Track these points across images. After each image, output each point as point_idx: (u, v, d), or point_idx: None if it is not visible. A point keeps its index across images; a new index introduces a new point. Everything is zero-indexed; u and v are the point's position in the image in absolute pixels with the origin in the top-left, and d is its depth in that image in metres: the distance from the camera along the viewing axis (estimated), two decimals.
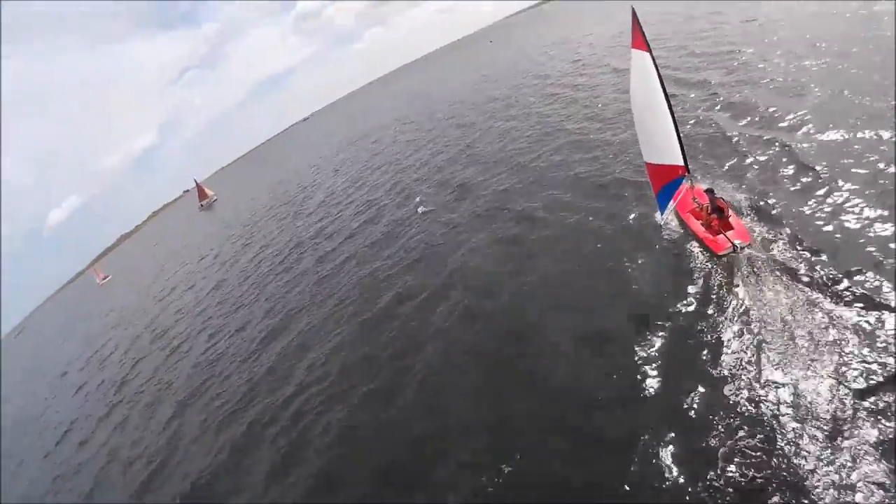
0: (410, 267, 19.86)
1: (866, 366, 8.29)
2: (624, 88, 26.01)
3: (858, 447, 7.33)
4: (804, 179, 13.79)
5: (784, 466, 7.56)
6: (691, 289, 11.81)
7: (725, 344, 10.02)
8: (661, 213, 14.07)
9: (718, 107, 21.36)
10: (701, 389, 9.29)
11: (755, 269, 11.40)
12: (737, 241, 11.63)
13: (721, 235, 12.04)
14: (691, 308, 11.32)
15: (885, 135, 13.98)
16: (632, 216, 15.81)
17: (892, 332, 8.63)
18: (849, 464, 7.21)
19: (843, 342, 8.86)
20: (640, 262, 13.62)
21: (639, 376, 10.15)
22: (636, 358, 10.59)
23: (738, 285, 11.26)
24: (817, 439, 7.66)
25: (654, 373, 10.12)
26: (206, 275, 39.42)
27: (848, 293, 9.77)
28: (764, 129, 17.67)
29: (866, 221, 11.37)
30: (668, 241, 13.99)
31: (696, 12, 47.48)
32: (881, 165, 12.85)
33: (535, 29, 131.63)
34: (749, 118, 19.11)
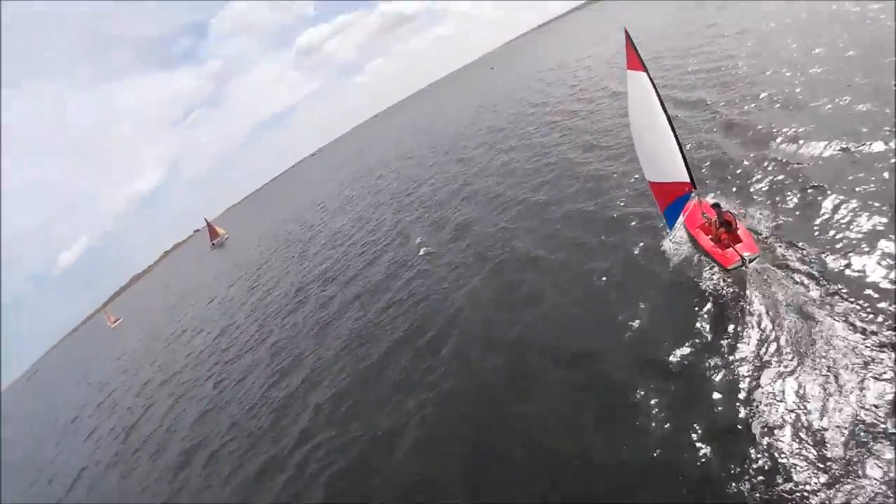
0: (410, 311, 19.42)
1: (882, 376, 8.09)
2: (622, 112, 26.37)
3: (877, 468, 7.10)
4: (810, 192, 13.52)
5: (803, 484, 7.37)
6: (703, 312, 11.50)
7: (742, 364, 9.75)
8: (670, 229, 14.05)
9: (716, 127, 20.93)
10: (716, 432, 8.86)
11: (765, 281, 11.23)
12: (745, 254, 11.50)
13: (730, 249, 11.87)
14: (706, 333, 10.96)
15: (892, 144, 13.72)
16: (637, 248, 15.20)
17: None
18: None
19: (858, 349, 8.68)
20: (648, 297, 13.08)
21: (650, 437, 9.46)
22: (646, 417, 9.95)
23: (749, 298, 11.07)
24: (834, 460, 7.42)
25: (665, 429, 9.49)
26: (215, 318, 39.22)
27: (856, 297, 9.65)
28: (765, 146, 17.28)
29: (870, 230, 11.20)
30: (676, 265, 13.65)
31: (692, 28, 47.90)
32: (886, 175, 12.62)
33: (534, 52, 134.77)
34: (749, 135, 18.71)
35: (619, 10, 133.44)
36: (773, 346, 9.69)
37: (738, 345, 10.18)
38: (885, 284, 9.60)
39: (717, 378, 9.75)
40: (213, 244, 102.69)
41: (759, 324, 10.33)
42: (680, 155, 12.50)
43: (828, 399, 8.20)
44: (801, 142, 16.18)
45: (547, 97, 50.05)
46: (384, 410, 14.53)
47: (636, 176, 16.64)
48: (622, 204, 18.27)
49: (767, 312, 10.45)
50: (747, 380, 9.36)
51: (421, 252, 25.02)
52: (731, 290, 11.64)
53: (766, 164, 16.12)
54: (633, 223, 16.69)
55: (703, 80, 28.48)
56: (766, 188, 14.87)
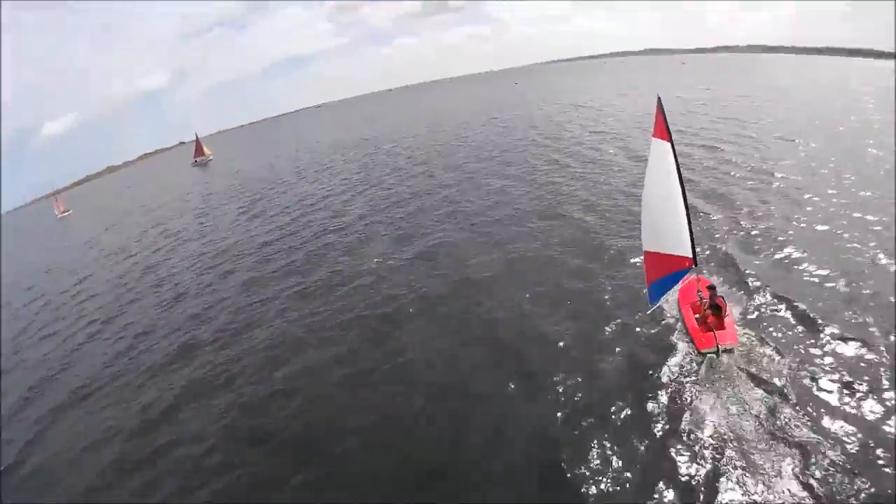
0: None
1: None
2: (633, 183, 26.05)
3: None
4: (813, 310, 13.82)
5: None
6: (661, 383, 12.06)
7: (680, 449, 10.11)
8: (651, 302, 13.79)
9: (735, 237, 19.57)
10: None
11: (730, 376, 11.62)
12: (722, 345, 11.90)
13: (709, 333, 12.19)
14: (659, 401, 11.50)
15: None
16: (618, 350, 13.89)
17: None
18: None
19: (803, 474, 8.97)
20: (612, 351, 13.67)
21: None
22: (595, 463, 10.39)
23: (709, 388, 11.47)
24: None
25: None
26: (160, 244, 37.77)
27: (817, 421, 10.04)
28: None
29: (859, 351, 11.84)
30: (657, 331, 14.13)
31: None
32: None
33: (564, 84, 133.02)
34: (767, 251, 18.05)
35: (670, 66, 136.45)
36: (713, 442, 10.11)
37: (677, 425, 10.69)
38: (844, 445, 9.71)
39: (646, 450, 10.28)
40: (196, 161, 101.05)
41: (705, 414, 10.78)
42: (688, 230, 12.51)
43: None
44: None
45: (564, 133, 48.42)
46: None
47: (633, 260, 17.14)
48: (610, 290, 16.79)
49: (718, 406, 10.87)
50: (675, 460, 9.88)
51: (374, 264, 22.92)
52: (696, 372, 12.07)
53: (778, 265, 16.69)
54: (619, 317, 15.39)
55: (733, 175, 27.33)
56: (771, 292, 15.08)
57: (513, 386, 13.14)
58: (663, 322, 14.36)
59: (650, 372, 12.42)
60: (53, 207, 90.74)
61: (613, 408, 11.56)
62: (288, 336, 17.70)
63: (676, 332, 13.78)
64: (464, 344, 15.44)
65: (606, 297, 16.42)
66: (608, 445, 10.57)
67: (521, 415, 12.07)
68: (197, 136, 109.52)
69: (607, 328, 14.68)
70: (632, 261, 18.03)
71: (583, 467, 10.18)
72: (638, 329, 14.36)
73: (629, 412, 11.33)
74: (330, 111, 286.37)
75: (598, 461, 10.26)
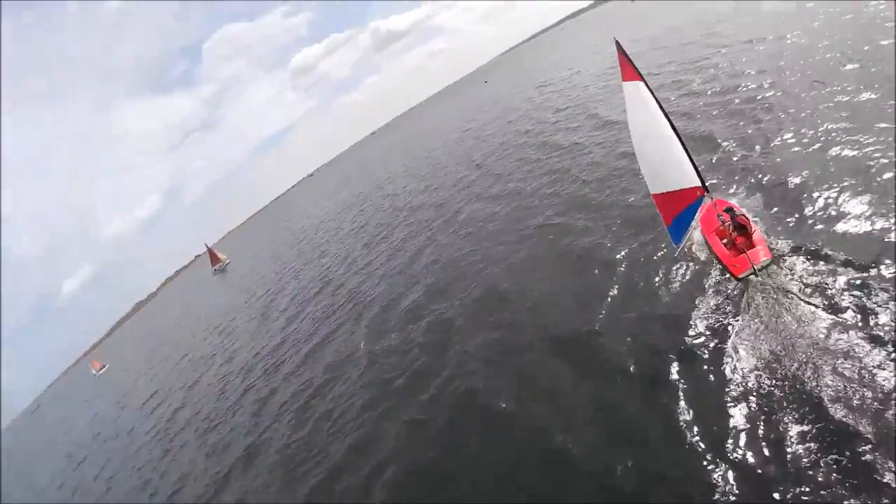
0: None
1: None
2: (615, 148, 25.48)
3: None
4: (834, 197, 12.92)
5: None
6: (705, 319, 11.42)
7: (737, 380, 9.55)
8: (676, 243, 13.28)
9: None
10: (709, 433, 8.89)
11: (775, 292, 10.88)
12: (759, 262, 11.33)
13: (742, 255, 11.63)
14: (707, 343, 10.80)
15: None
16: (657, 299, 13.12)
17: None
18: None
19: (866, 378, 8.16)
20: (654, 298, 13.06)
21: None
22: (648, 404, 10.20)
23: (758, 311, 10.73)
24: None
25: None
26: (198, 378, 34.88)
27: (875, 319, 9.09)
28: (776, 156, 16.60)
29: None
30: (689, 269, 13.44)
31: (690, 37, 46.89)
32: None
33: (529, 65, 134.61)
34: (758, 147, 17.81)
35: (612, 15, 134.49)
36: (770, 363, 9.47)
37: (736, 358, 9.99)
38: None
39: (704, 387, 9.81)
40: (215, 270, 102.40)
41: (755, 340, 10.13)
42: (688, 159, 11.94)
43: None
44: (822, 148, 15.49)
45: (532, 124, 45.54)
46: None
47: (631, 258, 15.35)
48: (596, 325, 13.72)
49: (768, 328, 10.16)
50: (731, 393, 9.34)
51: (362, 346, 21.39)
52: (739, 300, 11.35)
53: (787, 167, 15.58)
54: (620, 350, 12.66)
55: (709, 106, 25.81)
56: (789, 189, 14.35)
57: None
58: (694, 262, 13.65)
59: (693, 313, 11.71)
60: (90, 367, 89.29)
61: (664, 357, 11.00)
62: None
63: (709, 264, 13.10)
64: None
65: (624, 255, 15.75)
66: (663, 396, 10.15)
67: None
68: (207, 246, 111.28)
69: (638, 283, 14.11)
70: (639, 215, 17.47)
71: (641, 420, 9.97)
72: (670, 274, 13.64)
73: (679, 360, 10.73)
74: (320, 178, 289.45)
75: (654, 412, 9.95)
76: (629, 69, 11.99)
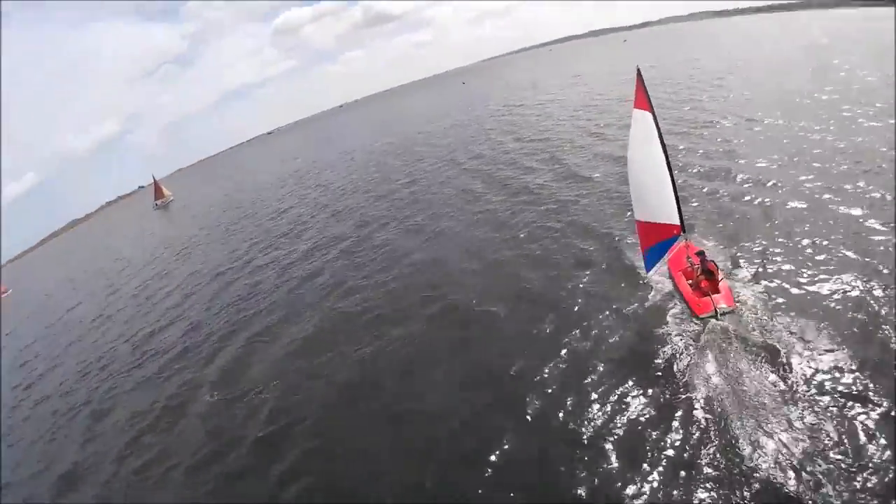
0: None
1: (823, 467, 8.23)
2: (562, 213, 22.40)
3: None
4: (802, 248, 14.24)
5: None
6: (660, 351, 11.90)
7: (681, 414, 10.04)
8: (647, 270, 14.19)
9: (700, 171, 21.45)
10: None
11: (730, 338, 11.46)
12: (720, 307, 11.87)
13: (706, 297, 12.20)
14: (658, 368, 11.42)
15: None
16: (616, 325, 13.64)
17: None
18: None
19: (797, 444, 8.71)
20: (612, 323, 13.59)
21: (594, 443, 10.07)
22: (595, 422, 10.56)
23: (710, 351, 11.33)
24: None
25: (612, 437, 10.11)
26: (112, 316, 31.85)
27: (820, 385, 9.77)
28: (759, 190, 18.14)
29: (856, 301, 11.68)
30: (651, 301, 14.01)
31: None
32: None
33: (509, 77, 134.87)
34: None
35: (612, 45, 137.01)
36: (712, 402, 10.04)
37: (680, 391, 10.56)
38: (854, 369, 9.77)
39: (652, 414, 10.29)
40: (157, 204, 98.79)
41: (707, 378, 10.67)
42: (674, 198, 12.77)
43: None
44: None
45: (491, 147, 42.12)
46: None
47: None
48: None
49: (720, 370, 10.72)
50: (682, 418, 9.90)
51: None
52: (694, 337, 11.92)
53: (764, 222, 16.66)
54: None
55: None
56: (758, 249, 15.13)
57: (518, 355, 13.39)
58: (656, 293, 14.28)
59: (650, 342, 12.32)
60: None
61: (615, 378, 11.53)
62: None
63: (672, 300, 13.71)
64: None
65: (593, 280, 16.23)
66: (610, 413, 10.61)
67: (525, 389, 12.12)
68: (154, 179, 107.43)
69: (603, 307, 14.52)
70: (617, 238, 18.20)
71: (585, 437, 10.25)
72: (634, 302, 14.25)
73: (632, 382, 11.26)
74: (277, 138, 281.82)
75: (600, 430, 10.29)
76: (642, 98, 12.65)
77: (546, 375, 12.33)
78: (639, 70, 12.95)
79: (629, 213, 17.23)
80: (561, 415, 10.99)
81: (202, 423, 15.46)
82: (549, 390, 11.84)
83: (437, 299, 17.90)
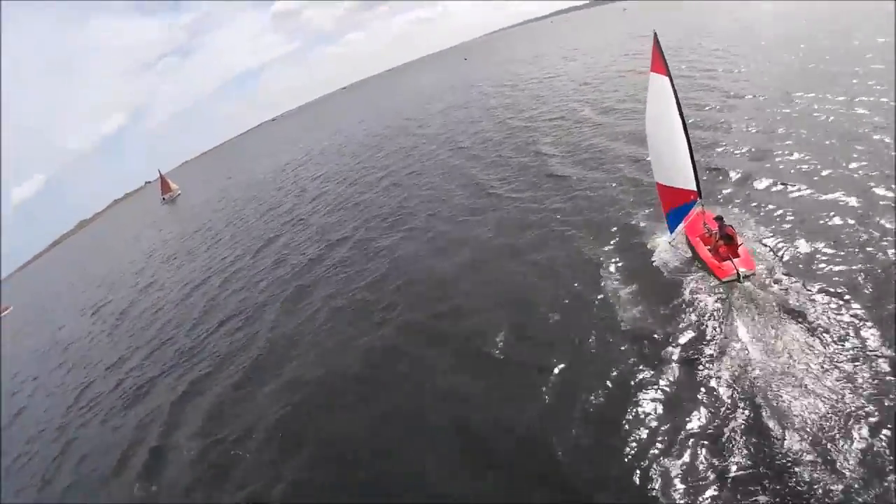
0: None
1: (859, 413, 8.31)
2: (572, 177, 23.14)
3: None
4: (819, 224, 13.79)
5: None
6: (687, 318, 11.86)
7: (715, 377, 10.03)
8: (671, 232, 14.30)
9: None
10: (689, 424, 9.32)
11: (756, 300, 11.48)
12: (742, 269, 11.81)
13: (727, 262, 12.14)
14: (688, 335, 11.35)
15: None
16: (638, 291, 13.67)
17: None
18: None
19: (838, 390, 8.80)
20: (638, 295, 13.39)
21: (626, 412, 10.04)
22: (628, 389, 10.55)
23: (737, 315, 11.31)
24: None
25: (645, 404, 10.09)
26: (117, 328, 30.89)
27: (845, 337, 9.81)
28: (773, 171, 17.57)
29: (872, 260, 11.63)
30: (672, 269, 13.87)
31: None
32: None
33: (513, 51, 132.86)
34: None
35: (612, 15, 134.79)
36: (744, 364, 10.00)
37: (713, 356, 10.53)
38: (872, 343, 9.62)
39: (686, 383, 10.19)
40: (164, 199, 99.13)
41: (735, 340, 10.65)
42: (690, 163, 12.80)
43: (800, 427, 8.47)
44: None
45: (477, 141, 38.55)
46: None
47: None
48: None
49: (748, 332, 10.72)
50: (713, 389, 9.81)
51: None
52: (719, 302, 11.88)
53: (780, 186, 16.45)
54: None
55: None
56: (778, 211, 15.02)
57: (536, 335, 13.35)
58: (676, 260, 14.21)
59: (675, 308, 12.31)
60: None
61: (642, 347, 11.51)
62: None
63: (692, 266, 13.63)
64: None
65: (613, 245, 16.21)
66: (640, 385, 10.54)
67: (546, 367, 12.00)
68: (161, 174, 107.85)
69: (626, 268, 14.71)
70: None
71: (616, 410, 10.17)
72: (652, 268, 14.27)
73: (657, 349, 11.25)
74: (281, 125, 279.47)
75: (632, 403, 10.20)
76: (659, 63, 12.62)
77: (575, 348, 12.30)
78: (655, 34, 12.99)
79: (642, 190, 17.90)
80: (592, 388, 10.90)
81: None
82: (579, 365, 11.77)
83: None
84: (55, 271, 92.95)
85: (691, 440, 8.96)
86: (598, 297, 13.78)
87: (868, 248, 12.04)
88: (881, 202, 13.63)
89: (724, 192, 17.16)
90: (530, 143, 31.76)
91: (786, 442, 8.26)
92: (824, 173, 16.14)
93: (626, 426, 9.68)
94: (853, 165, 16.09)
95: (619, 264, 14.92)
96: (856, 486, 7.35)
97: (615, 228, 17.04)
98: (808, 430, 8.31)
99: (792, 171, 17.05)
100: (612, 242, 16.24)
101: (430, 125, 51.50)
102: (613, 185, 20.63)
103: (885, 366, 8.95)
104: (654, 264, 14.31)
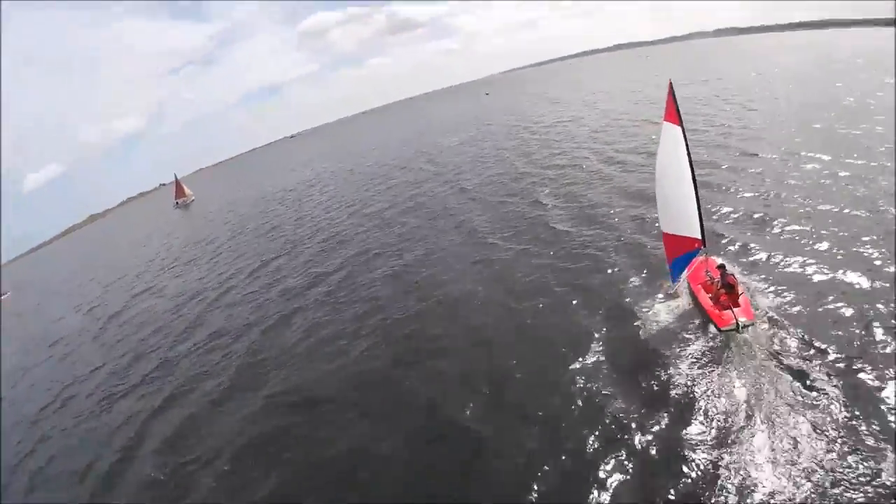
0: None
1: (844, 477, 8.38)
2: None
3: None
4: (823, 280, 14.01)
5: None
6: (685, 364, 11.99)
7: (706, 422, 10.22)
8: (674, 281, 14.52)
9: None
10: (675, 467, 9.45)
11: (753, 352, 11.64)
12: (741, 319, 11.99)
13: (727, 311, 12.27)
14: (682, 380, 11.50)
15: None
16: (637, 335, 13.98)
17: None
18: None
19: (822, 452, 8.91)
20: (636, 338, 13.57)
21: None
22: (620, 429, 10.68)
23: (732, 364, 11.49)
24: None
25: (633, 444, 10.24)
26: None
27: (839, 396, 9.95)
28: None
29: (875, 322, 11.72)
30: (673, 316, 14.03)
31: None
32: None
33: (533, 91, 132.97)
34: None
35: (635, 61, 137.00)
36: (738, 412, 10.18)
37: (708, 402, 10.68)
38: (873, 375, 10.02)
39: (680, 426, 10.30)
40: (178, 203, 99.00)
41: (731, 389, 10.82)
42: (697, 212, 13.01)
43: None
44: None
45: (481, 184, 36.99)
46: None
47: None
48: None
49: (743, 381, 10.89)
50: (707, 436, 9.95)
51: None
52: (717, 350, 12.07)
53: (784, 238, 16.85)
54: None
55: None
56: (780, 265, 15.32)
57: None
58: (677, 307, 14.39)
59: (672, 353, 12.47)
60: None
61: (639, 388, 11.72)
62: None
63: (692, 313, 13.84)
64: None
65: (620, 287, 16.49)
66: (635, 425, 10.64)
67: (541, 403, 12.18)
68: (176, 178, 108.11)
69: (623, 315, 14.84)
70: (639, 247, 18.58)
71: (608, 447, 10.33)
72: (653, 313, 14.46)
73: (655, 391, 11.47)
74: (299, 142, 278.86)
75: (624, 441, 10.35)
76: (672, 112, 12.84)
77: (573, 386, 12.42)
78: (671, 84, 13.17)
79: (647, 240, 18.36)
80: (586, 423, 11.12)
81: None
82: (576, 399, 11.94)
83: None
84: (59, 262, 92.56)
85: (681, 484, 9.08)
86: (592, 344, 13.86)
87: (868, 315, 12.08)
88: (885, 269, 13.76)
89: (728, 248, 17.17)
90: (532, 192, 31.11)
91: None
92: (828, 240, 16.17)
93: (612, 467, 9.82)
94: (855, 230, 16.32)
95: (608, 326, 14.69)
96: None
97: (606, 285, 16.99)
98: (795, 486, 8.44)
99: (796, 236, 17.06)
100: (602, 306, 15.92)
101: (439, 161, 51.68)
102: (611, 240, 20.51)
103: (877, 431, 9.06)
104: (649, 321, 14.22)
